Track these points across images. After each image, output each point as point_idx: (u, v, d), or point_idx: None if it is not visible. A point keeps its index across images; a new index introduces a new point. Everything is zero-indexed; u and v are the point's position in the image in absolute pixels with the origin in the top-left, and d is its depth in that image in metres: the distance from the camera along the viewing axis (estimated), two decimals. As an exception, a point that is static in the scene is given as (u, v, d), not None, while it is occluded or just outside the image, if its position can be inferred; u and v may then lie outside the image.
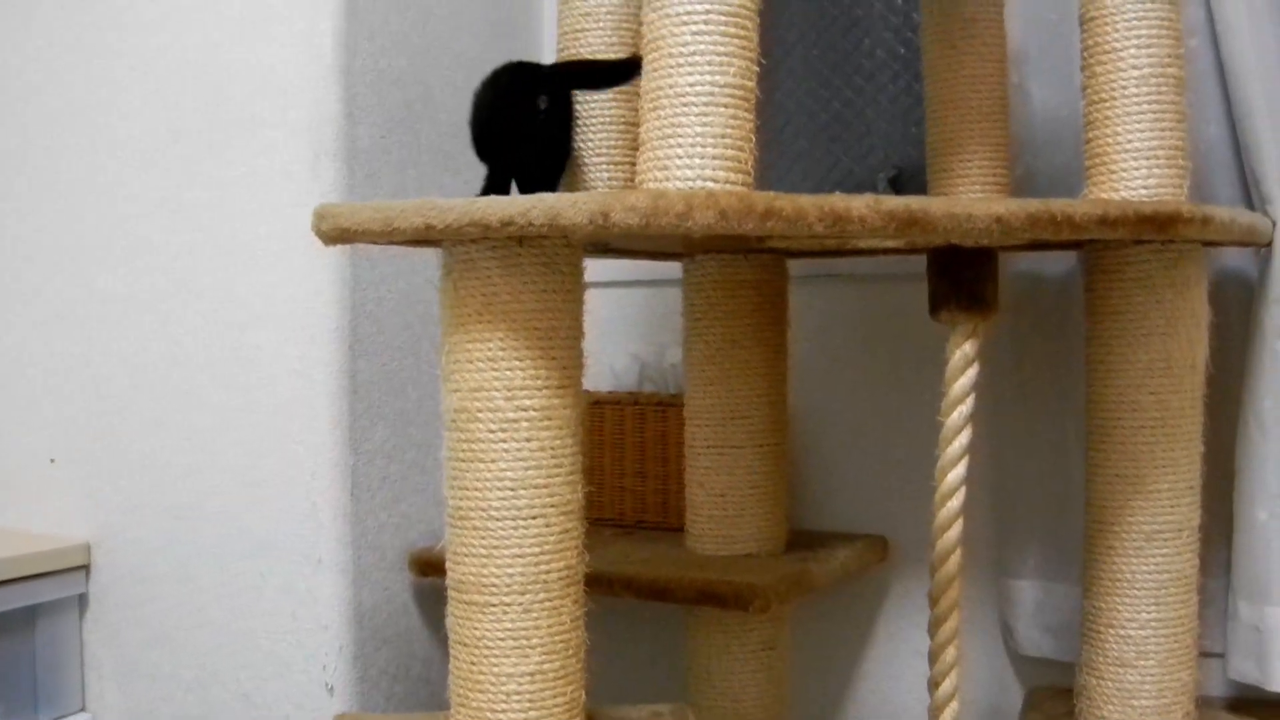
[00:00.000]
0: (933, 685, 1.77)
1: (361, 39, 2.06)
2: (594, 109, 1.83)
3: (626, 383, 2.40)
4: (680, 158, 1.40)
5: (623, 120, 1.82)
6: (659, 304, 2.40)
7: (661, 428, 2.26)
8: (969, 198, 1.87)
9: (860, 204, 1.35)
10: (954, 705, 1.76)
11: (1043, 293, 2.11)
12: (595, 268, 2.16)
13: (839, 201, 1.34)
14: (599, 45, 1.83)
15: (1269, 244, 1.86)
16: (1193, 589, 1.80)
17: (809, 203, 1.33)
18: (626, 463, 2.30)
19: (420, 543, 2.18)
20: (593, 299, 2.32)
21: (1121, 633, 1.79)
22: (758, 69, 1.45)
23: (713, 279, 2.01)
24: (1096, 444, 1.80)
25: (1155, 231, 1.56)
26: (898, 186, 2.32)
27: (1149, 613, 1.77)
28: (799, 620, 2.32)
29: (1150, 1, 1.65)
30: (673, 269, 2.09)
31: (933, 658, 1.76)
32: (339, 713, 2.05)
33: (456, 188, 2.23)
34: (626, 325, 2.45)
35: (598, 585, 1.88)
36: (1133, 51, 1.66)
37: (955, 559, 1.72)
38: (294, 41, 2.04)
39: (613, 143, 1.83)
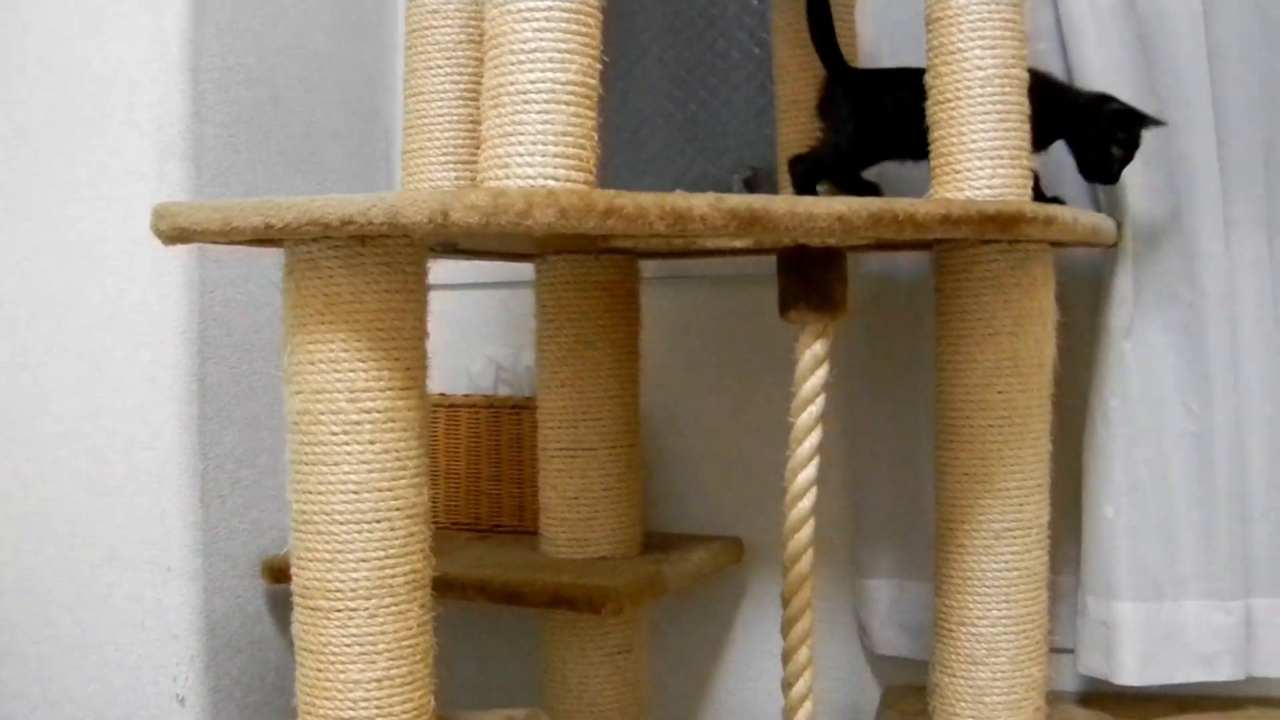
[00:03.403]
0: (786, 685, 1.77)
1: (209, 37, 2.03)
2: (439, 106, 1.81)
3: (482, 386, 2.38)
4: (521, 155, 1.39)
5: (468, 119, 1.80)
6: (515, 306, 2.38)
7: (516, 430, 2.25)
8: (813, 197, 1.87)
9: (702, 202, 1.35)
10: (808, 705, 1.77)
11: (895, 293, 2.12)
12: (451, 269, 2.15)
13: (680, 200, 1.34)
14: (446, 42, 1.81)
15: (1114, 245, 1.89)
16: (1042, 586, 1.82)
17: (650, 201, 1.32)
18: (482, 466, 2.29)
19: (273, 549, 2.15)
20: (448, 301, 2.33)
21: (972, 630, 1.80)
22: (601, 66, 1.45)
23: (564, 280, 2.00)
24: (946, 443, 1.81)
25: (999, 231, 1.57)
26: (752, 187, 2.33)
27: (999, 610, 1.78)
28: (656, 622, 2.32)
29: (995, 3, 1.65)
30: (529, 271, 2.07)
31: (786, 658, 1.76)
32: (190, 724, 2.02)
33: (308, 188, 2.20)
34: (482, 328, 2.44)
35: (451, 589, 1.87)
36: (977, 53, 1.66)
37: (807, 559, 1.72)
38: (139, 39, 2.01)
39: (458, 142, 1.81)
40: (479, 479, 2.30)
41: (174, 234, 1.41)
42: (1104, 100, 1.80)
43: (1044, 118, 1.77)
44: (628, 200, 1.31)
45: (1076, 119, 1.81)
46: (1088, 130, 1.80)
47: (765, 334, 2.20)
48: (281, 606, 2.16)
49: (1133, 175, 1.89)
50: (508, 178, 1.40)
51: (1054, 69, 1.97)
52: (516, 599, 1.90)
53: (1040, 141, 1.81)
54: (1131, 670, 1.94)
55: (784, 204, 1.40)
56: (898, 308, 2.12)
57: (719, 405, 2.30)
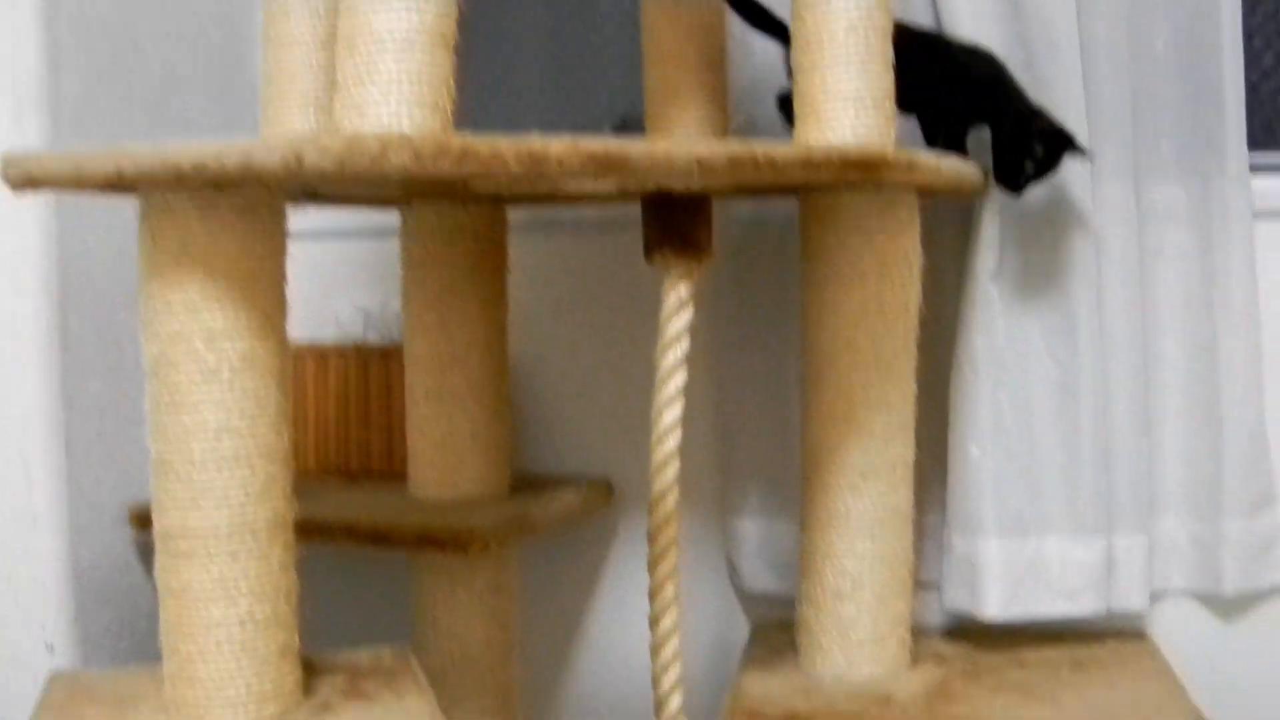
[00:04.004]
0: (653, 622, 1.78)
1: (65, -14, 2.00)
2: (297, 53, 1.78)
3: (351, 333, 2.37)
4: (375, 100, 1.38)
5: (328, 65, 1.76)
6: (383, 254, 2.36)
7: (385, 376, 2.24)
8: (672, 140, 1.88)
9: (558, 145, 1.34)
10: (675, 641, 1.78)
11: (764, 238, 2.13)
12: (319, 218, 2.15)
13: (536, 143, 1.33)
14: (307, -11, 1.79)
15: (979, 191, 1.91)
16: (908, 522, 1.84)
17: (506, 144, 1.32)
18: (351, 412, 2.28)
19: (141, 496, 2.12)
20: (317, 250, 2.32)
21: (838, 565, 1.82)
22: (462, 12, 1.43)
23: (429, 227, 1.99)
24: (812, 385, 1.83)
25: (861, 175, 1.58)
26: (624, 134, 2.32)
27: (864, 546, 1.81)
28: (526, 564, 2.32)
29: (858, -51, 1.66)
30: (397, 219, 2.06)
31: (653, 595, 1.77)
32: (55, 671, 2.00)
33: (170, 138, 2.17)
34: (351, 276, 2.42)
35: (319, 533, 1.88)
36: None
37: (672, 497, 1.73)
38: (-10, -10, 1.97)
39: (319, 89, 1.78)
40: (349, 425, 2.29)
41: (24, 181, 1.39)
42: (1037, 115, 1.82)
43: (987, 101, 1.80)
44: (483, 144, 1.31)
45: (1009, 120, 1.82)
46: (1013, 137, 1.81)
47: (633, 280, 2.21)
48: (150, 554, 2.11)
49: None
50: (362, 122, 1.39)
51: (922, 17, 1.99)
52: (383, 541, 1.91)
53: (973, 120, 1.83)
54: (996, 605, 1.97)
55: (642, 147, 1.41)
56: (766, 252, 2.13)
57: (587, 350, 2.31)
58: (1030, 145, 1.79)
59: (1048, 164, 1.81)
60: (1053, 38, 1.91)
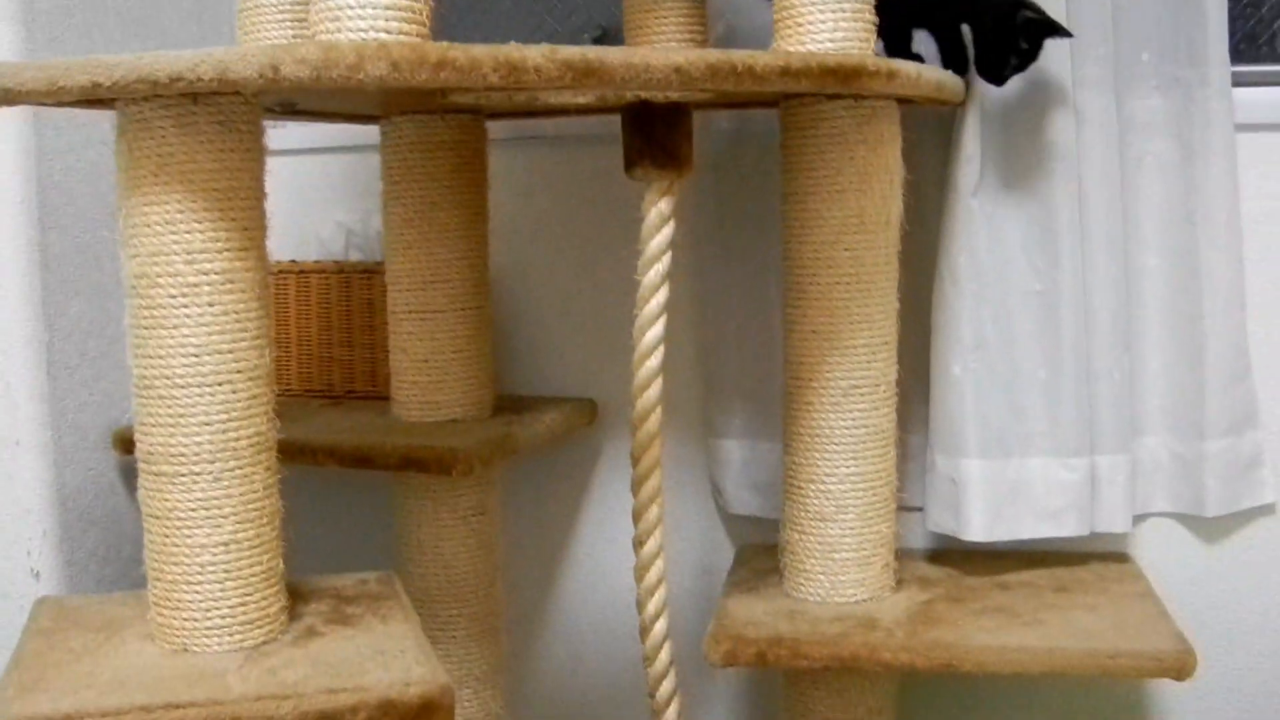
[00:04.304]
0: (637, 544, 1.79)
1: (39, -106, 1.97)
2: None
3: (333, 251, 2.35)
4: (352, 9, 1.36)
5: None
6: (364, 170, 2.36)
7: (368, 295, 2.22)
8: (649, 48, 1.86)
9: (535, 54, 1.33)
10: (659, 563, 1.79)
11: (744, 152, 2.12)
12: (299, 134, 2.13)
13: (514, 51, 1.32)
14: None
15: (961, 102, 1.90)
16: (890, 443, 1.85)
17: (483, 53, 1.31)
18: (334, 332, 2.27)
19: (125, 420, 2.12)
20: (297, 167, 2.30)
21: (821, 487, 1.82)
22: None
23: (409, 141, 1.98)
24: (793, 300, 1.83)
25: (839, 84, 1.57)
26: (602, 45, 2.31)
27: (847, 467, 1.81)
28: (511, 485, 2.33)
29: None
30: (377, 135, 2.05)
31: (636, 517, 1.78)
32: (41, 596, 2.00)
33: (148, 51, 2.15)
34: (332, 193, 2.41)
35: (302, 454, 1.88)
36: (820, -94, 1.66)
37: (655, 418, 1.73)
38: (-37, -102, 1.95)
39: (295, 1, 1.78)
40: (331, 345, 2.28)
41: (-1, 95, 1.38)
42: (1019, 6, 1.80)
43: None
44: (460, 52, 1.30)
45: (988, 13, 1.81)
46: (994, 30, 1.80)
47: (613, 194, 2.19)
48: (134, 478, 2.11)
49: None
50: (339, 31, 1.37)
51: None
52: (366, 462, 1.90)
53: (948, 21, 1.82)
54: (979, 526, 1.97)
55: (619, 54, 1.39)
56: (746, 167, 2.12)
57: (569, 266, 2.30)
58: (1014, 39, 1.78)
59: (1031, 54, 1.81)
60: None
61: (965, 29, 1.87)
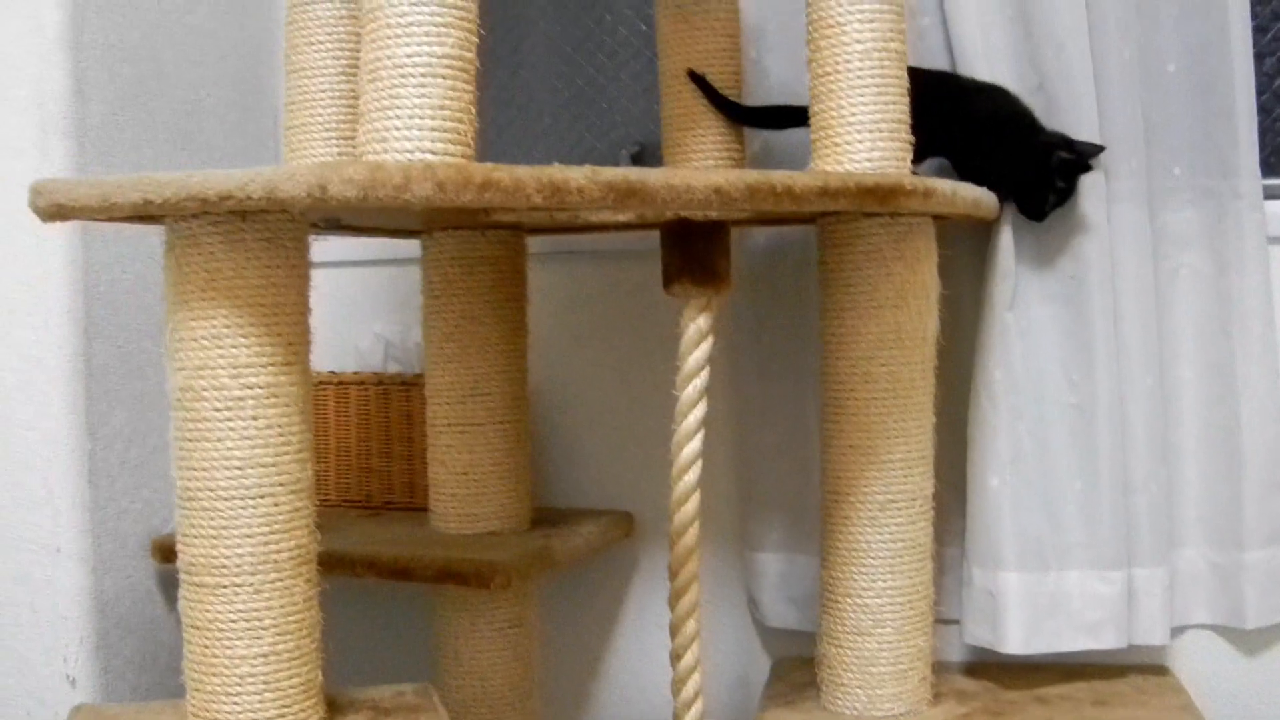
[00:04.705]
0: (674, 658, 1.78)
1: (90, 12, 2.00)
2: (320, 82, 1.81)
3: (371, 363, 2.37)
4: (398, 129, 1.39)
5: (349, 94, 1.79)
6: (404, 283, 2.37)
7: (406, 407, 2.24)
8: (689, 169, 1.88)
9: (578, 175, 1.35)
10: (696, 677, 1.78)
11: (782, 267, 2.14)
12: (339, 247, 2.15)
13: (557, 173, 1.34)
14: (326, 17, 1.80)
15: (996, 218, 1.91)
16: (927, 556, 1.84)
17: (527, 174, 1.32)
18: (372, 443, 2.28)
19: (164, 528, 2.13)
20: (337, 279, 2.33)
21: (858, 601, 1.82)
22: (481, 40, 1.44)
23: (450, 255, 2.00)
24: (831, 415, 1.83)
25: (877, 203, 1.59)
26: (640, 162, 2.33)
27: (884, 581, 1.80)
28: (547, 598, 2.32)
29: (872, -23, 1.67)
30: (417, 247, 2.07)
31: (674, 630, 1.78)
32: (78, 704, 2.00)
33: (192, 165, 2.18)
34: (371, 305, 2.43)
35: (341, 566, 1.87)
36: (855, 26, 1.68)
37: (693, 532, 1.73)
38: (17, 15, 1.98)
39: (340, 117, 1.80)
40: (369, 456, 2.29)
41: (52, 211, 1.40)
42: (1054, 147, 1.84)
43: (1009, 143, 1.84)
44: (504, 173, 1.32)
45: (1025, 156, 1.84)
46: (1032, 171, 1.84)
47: (651, 309, 2.21)
48: (172, 586, 2.12)
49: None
50: (385, 151, 1.40)
51: (935, 43, 2.00)
52: (405, 574, 1.90)
53: (998, 159, 1.86)
54: (1017, 639, 1.95)
55: (660, 176, 1.41)
56: (784, 282, 2.13)
57: (607, 380, 2.31)
58: (1051, 179, 1.81)
59: (1068, 191, 1.84)
60: (1065, 61, 1.91)
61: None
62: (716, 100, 1.96)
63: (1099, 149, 1.85)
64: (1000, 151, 1.87)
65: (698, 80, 1.96)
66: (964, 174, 1.90)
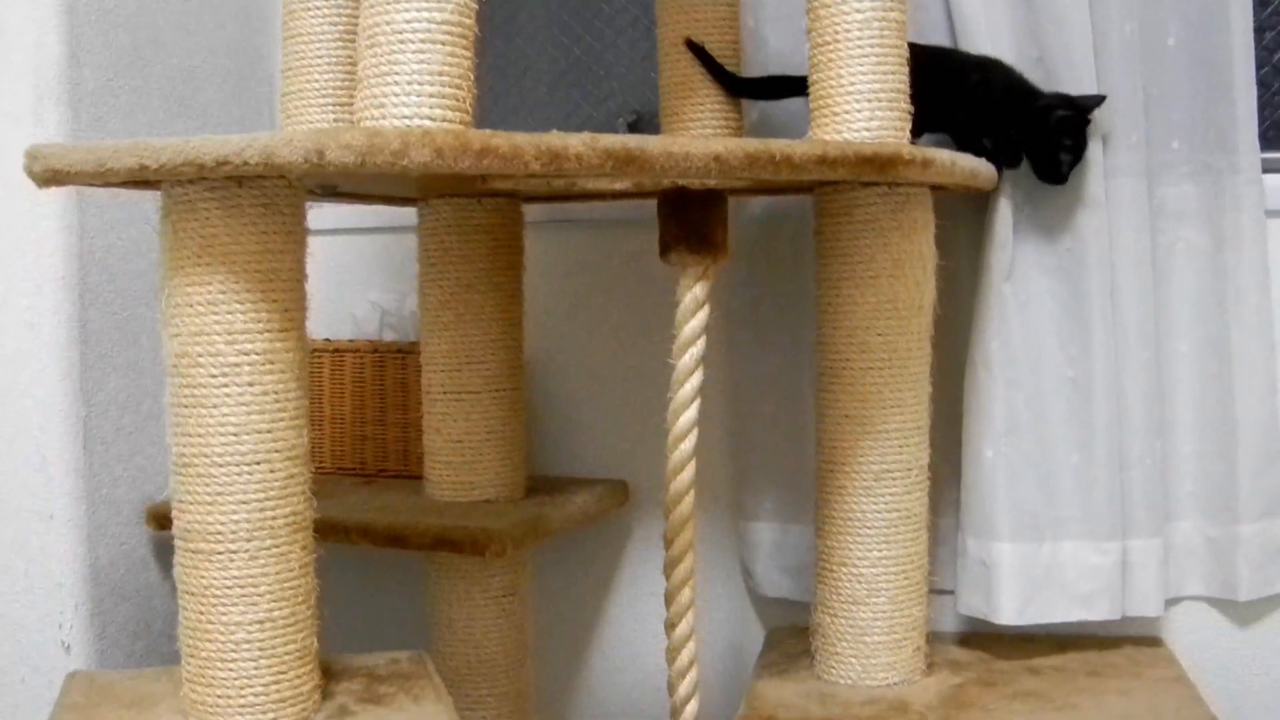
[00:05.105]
0: (669, 627, 1.78)
1: (85, -23, 2.00)
2: (317, 48, 1.80)
3: (367, 330, 2.37)
4: (397, 95, 1.39)
5: (347, 60, 1.78)
6: (400, 251, 2.38)
7: (401, 375, 2.24)
8: (689, 137, 1.88)
9: (577, 142, 1.35)
10: (691, 646, 1.78)
11: (778, 237, 2.14)
12: (335, 214, 2.14)
13: (556, 139, 1.34)
14: (326, -15, 1.80)
15: (994, 189, 1.91)
16: (922, 527, 1.84)
17: (525, 141, 1.32)
18: (367, 411, 2.28)
19: (158, 495, 2.13)
20: (333, 246, 2.32)
21: (853, 571, 1.82)
22: (479, 7, 1.44)
23: (446, 223, 2.00)
24: (826, 385, 1.83)
25: (875, 172, 1.59)
26: (636, 130, 2.33)
27: (879, 550, 1.81)
28: (542, 566, 2.33)
29: (873, -53, 1.67)
30: (413, 215, 2.07)
31: (669, 599, 1.78)
32: (73, 671, 2.00)
33: (188, 132, 2.18)
34: (367, 273, 2.43)
35: (335, 533, 1.88)
36: (855, -6, 1.68)
37: (689, 501, 1.73)
38: (11, -18, 1.98)
39: (337, 83, 1.80)
40: (364, 424, 2.29)
41: (48, 176, 1.39)
42: (1051, 108, 1.83)
43: (1006, 111, 1.84)
44: (503, 140, 1.31)
45: (1028, 123, 1.84)
46: (1037, 136, 1.84)
47: (647, 278, 2.21)
48: (166, 553, 2.11)
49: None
50: (383, 117, 1.39)
51: (936, 15, 1.99)
52: (400, 542, 1.90)
53: (999, 129, 1.86)
54: (1011, 610, 1.96)
55: (659, 143, 1.41)
56: (780, 251, 2.13)
57: (603, 349, 2.31)
58: (1057, 138, 1.81)
59: (1078, 146, 1.84)
60: (1066, 34, 1.91)
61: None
62: (715, 70, 1.96)
63: (1099, 99, 1.85)
64: (999, 122, 1.87)
65: (696, 50, 1.95)
66: (963, 148, 1.89)
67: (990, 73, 1.90)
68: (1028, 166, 1.88)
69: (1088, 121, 1.84)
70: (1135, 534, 1.98)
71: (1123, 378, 1.96)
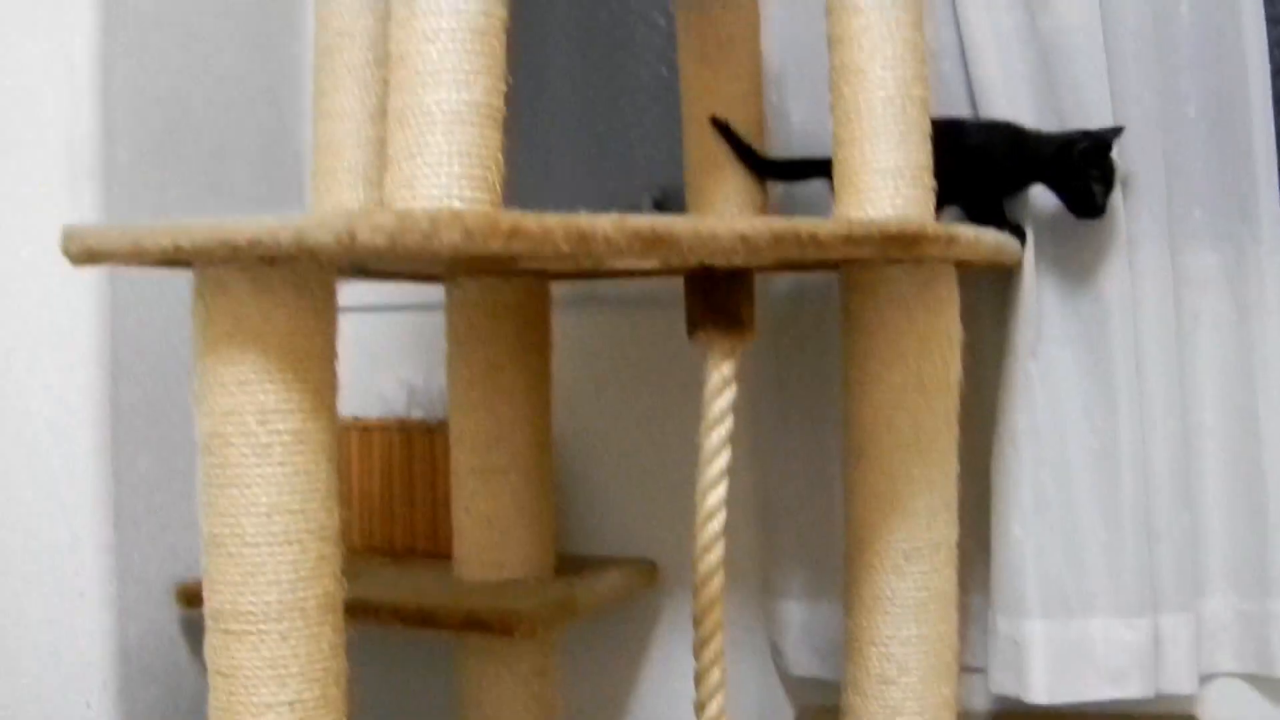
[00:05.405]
0: (699, 708, 1.77)
1: (119, 57, 2.02)
2: (348, 127, 1.81)
3: (395, 408, 2.38)
4: (426, 176, 1.39)
5: (377, 140, 1.79)
6: (428, 329, 2.38)
7: (429, 453, 2.24)
8: (715, 217, 1.88)
9: (605, 223, 1.35)
10: (721, 727, 1.78)
11: (804, 314, 2.14)
12: (363, 292, 2.15)
13: (584, 221, 1.34)
14: (354, 63, 1.79)
15: (1018, 263, 1.91)
16: (952, 605, 1.82)
17: (555, 222, 1.33)
18: (396, 489, 2.28)
19: (188, 574, 2.13)
20: (361, 324, 2.33)
21: (883, 650, 1.80)
22: (507, 87, 1.45)
23: (474, 302, 2.00)
24: (854, 463, 1.82)
25: (901, 250, 1.59)
26: (662, 207, 2.33)
27: (909, 630, 1.79)
28: (571, 646, 2.32)
29: (895, 23, 1.67)
30: (441, 293, 2.07)
31: (698, 680, 1.77)
32: (100, 751, 2.01)
33: (219, 209, 2.19)
34: (395, 350, 2.43)
35: (365, 613, 1.87)
36: (878, 71, 1.67)
37: (718, 581, 1.72)
38: (48, 60, 2.00)
39: (367, 163, 1.80)
40: (393, 502, 2.29)
41: (83, 255, 1.40)
42: (1072, 143, 1.84)
43: (1015, 164, 1.84)
44: (532, 221, 1.32)
45: (1051, 165, 1.85)
46: (1064, 175, 1.84)
47: (675, 356, 2.21)
48: (196, 632, 2.11)
49: (1035, 193, 1.93)
50: (413, 198, 1.40)
51: (956, 89, 2.00)
52: (430, 622, 1.90)
53: (1013, 186, 1.87)
54: (1042, 688, 1.95)
55: (686, 224, 1.41)
56: (806, 328, 2.13)
57: (630, 427, 2.31)
58: (1086, 170, 1.81)
59: (1108, 175, 1.84)
60: (1085, 105, 1.92)
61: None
62: (742, 151, 1.97)
63: (1117, 130, 1.85)
64: (1003, 182, 1.88)
65: (723, 130, 1.96)
66: (974, 218, 1.90)
67: (992, 134, 1.91)
68: (1047, 235, 1.89)
69: (1108, 148, 1.84)
70: (1166, 609, 1.96)
71: (1149, 449, 1.95)
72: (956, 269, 1.80)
